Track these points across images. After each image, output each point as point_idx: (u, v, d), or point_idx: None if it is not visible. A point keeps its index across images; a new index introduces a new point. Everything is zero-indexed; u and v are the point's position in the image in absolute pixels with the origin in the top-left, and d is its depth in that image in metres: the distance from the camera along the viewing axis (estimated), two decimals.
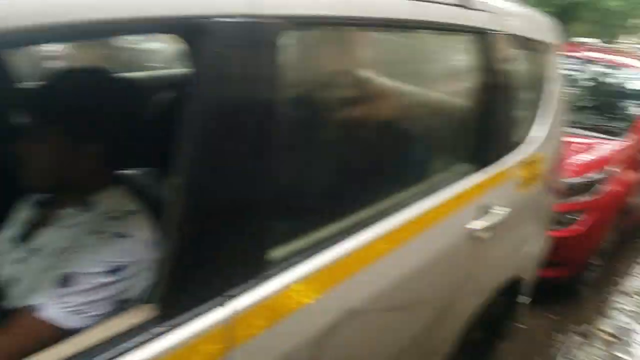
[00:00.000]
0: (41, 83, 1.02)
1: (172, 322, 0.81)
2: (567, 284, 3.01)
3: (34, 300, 0.87)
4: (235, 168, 0.87)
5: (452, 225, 1.42)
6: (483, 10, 1.50)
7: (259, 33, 0.85)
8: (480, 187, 1.54)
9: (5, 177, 1.06)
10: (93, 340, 0.78)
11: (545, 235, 2.18)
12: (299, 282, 0.98)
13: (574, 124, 2.81)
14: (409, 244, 1.26)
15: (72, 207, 1.00)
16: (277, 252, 0.97)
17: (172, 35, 0.85)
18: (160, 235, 0.95)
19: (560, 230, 2.65)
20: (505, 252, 1.76)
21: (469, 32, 1.47)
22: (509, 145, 1.72)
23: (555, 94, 2.04)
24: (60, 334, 0.84)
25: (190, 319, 0.83)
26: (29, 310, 0.86)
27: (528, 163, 1.81)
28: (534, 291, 2.17)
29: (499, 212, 1.57)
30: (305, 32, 1.05)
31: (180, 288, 0.84)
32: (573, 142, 2.80)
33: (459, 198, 1.46)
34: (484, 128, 1.59)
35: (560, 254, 2.50)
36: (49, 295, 0.87)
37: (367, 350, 1.24)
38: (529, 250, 2.03)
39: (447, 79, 1.66)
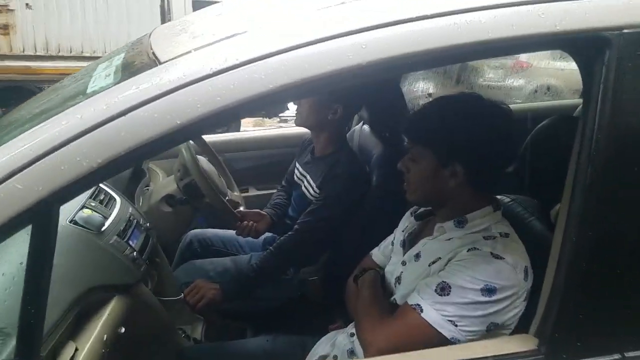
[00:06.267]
0: (417, 111, 1.16)
1: None
2: None
3: (416, 300, 0.98)
4: None
5: None
6: None
7: None
8: None
9: (394, 192, 1.23)
10: (473, 355, 0.82)
11: None
12: None
13: None
14: None
15: (447, 221, 1.09)
16: None
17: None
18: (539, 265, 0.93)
19: None
20: None
21: None
22: None
23: None
24: (434, 337, 0.92)
25: None
26: (415, 309, 0.97)
27: None
28: None
29: None
30: None
31: (570, 331, 0.80)
32: None
33: None
34: None
35: None
36: (429, 299, 0.96)
37: None
38: None
39: None
